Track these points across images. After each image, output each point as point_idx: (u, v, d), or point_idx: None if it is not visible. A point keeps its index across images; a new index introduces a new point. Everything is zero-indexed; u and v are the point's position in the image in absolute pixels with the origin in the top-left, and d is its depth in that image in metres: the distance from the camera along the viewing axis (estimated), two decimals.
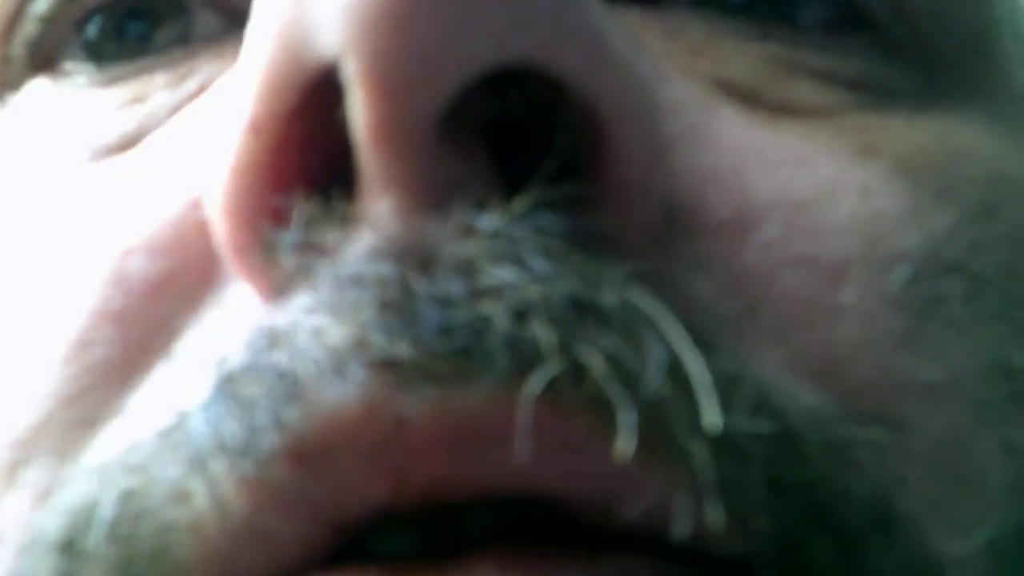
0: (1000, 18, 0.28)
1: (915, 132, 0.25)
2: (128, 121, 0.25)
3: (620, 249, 0.20)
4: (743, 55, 0.25)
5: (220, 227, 0.20)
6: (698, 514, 0.19)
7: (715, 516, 0.19)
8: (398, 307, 0.18)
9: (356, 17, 0.18)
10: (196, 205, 0.22)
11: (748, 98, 0.24)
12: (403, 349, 0.18)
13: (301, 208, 0.19)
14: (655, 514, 0.19)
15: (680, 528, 0.19)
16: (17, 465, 0.22)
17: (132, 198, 0.23)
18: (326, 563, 0.19)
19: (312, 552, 0.19)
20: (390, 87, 0.18)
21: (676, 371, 0.19)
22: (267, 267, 0.20)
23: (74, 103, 0.26)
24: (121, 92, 0.26)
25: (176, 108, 0.25)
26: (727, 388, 0.19)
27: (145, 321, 0.22)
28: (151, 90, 0.25)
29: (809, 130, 0.24)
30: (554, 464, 0.19)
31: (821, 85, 0.25)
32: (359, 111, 0.19)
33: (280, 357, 0.19)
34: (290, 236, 0.19)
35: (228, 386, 0.19)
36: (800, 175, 0.23)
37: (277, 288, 0.20)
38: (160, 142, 0.24)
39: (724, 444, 0.19)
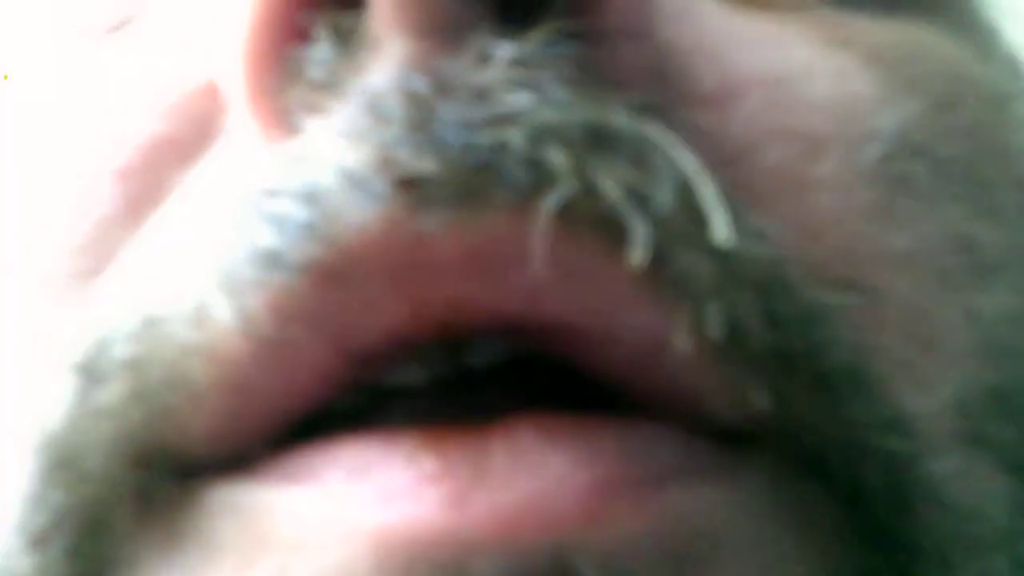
0: None
1: (883, 29, 0.26)
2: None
3: (625, 88, 0.20)
4: None
5: (238, 53, 0.21)
6: (698, 334, 0.20)
7: (713, 332, 0.20)
8: (423, 126, 0.19)
9: None
10: (195, 71, 0.23)
11: None
12: (428, 164, 0.19)
13: (322, 31, 0.20)
14: (649, 356, 0.20)
15: (679, 345, 0.20)
16: (31, 311, 0.23)
17: (133, 67, 0.24)
18: (354, 419, 0.20)
19: (327, 384, 0.20)
20: None
21: (684, 194, 0.20)
22: (282, 96, 0.20)
23: None
24: None
25: None
26: (730, 214, 0.20)
27: (145, 176, 0.23)
28: None
29: (784, 20, 0.25)
30: (564, 287, 0.20)
31: None
32: None
33: (303, 178, 0.19)
34: (318, 53, 0.20)
35: (255, 203, 0.20)
36: (779, 55, 0.24)
37: (289, 124, 0.20)
38: (159, 12, 0.25)
39: (726, 265, 0.20)
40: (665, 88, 0.22)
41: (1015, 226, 0.26)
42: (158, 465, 0.21)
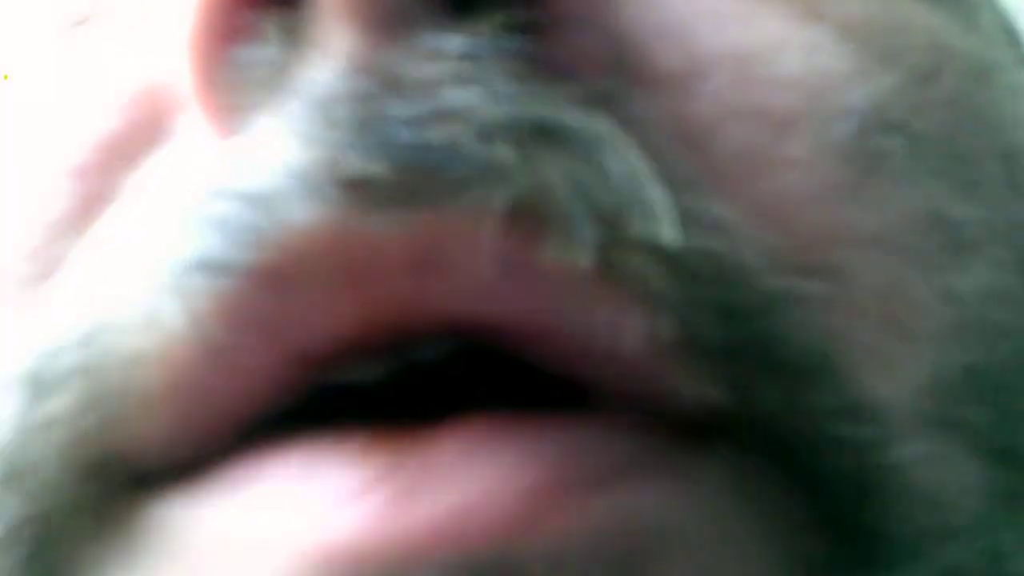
0: None
1: (859, 1, 0.26)
2: None
3: (576, 79, 0.20)
4: None
5: (184, 48, 0.20)
6: (651, 332, 0.19)
7: (666, 330, 0.19)
8: (370, 125, 0.19)
9: None
10: (148, 69, 0.23)
11: None
12: (376, 166, 0.18)
13: (265, 29, 0.20)
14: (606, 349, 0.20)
15: (632, 343, 0.19)
16: None
17: (88, 65, 0.24)
18: (308, 417, 0.20)
19: (280, 387, 0.20)
20: None
21: (634, 192, 0.19)
22: (230, 93, 0.20)
23: None
24: None
25: None
26: (682, 210, 0.20)
27: (99, 176, 0.22)
28: None
29: None
30: (513, 286, 0.19)
31: None
32: None
33: (248, 178, 0.19)
34: (264, 51, 0.20)
35: (202, 206, 0.19)
36: (747, 31, 0.23)
37: (237, 121, 0.20)
38: (115, 11, 0.25)
39: (677, 261, 0.20)
40: (621, 75, 0.21)
41: (997, 199, 0.25)
42: (112, 475, 0.20)
